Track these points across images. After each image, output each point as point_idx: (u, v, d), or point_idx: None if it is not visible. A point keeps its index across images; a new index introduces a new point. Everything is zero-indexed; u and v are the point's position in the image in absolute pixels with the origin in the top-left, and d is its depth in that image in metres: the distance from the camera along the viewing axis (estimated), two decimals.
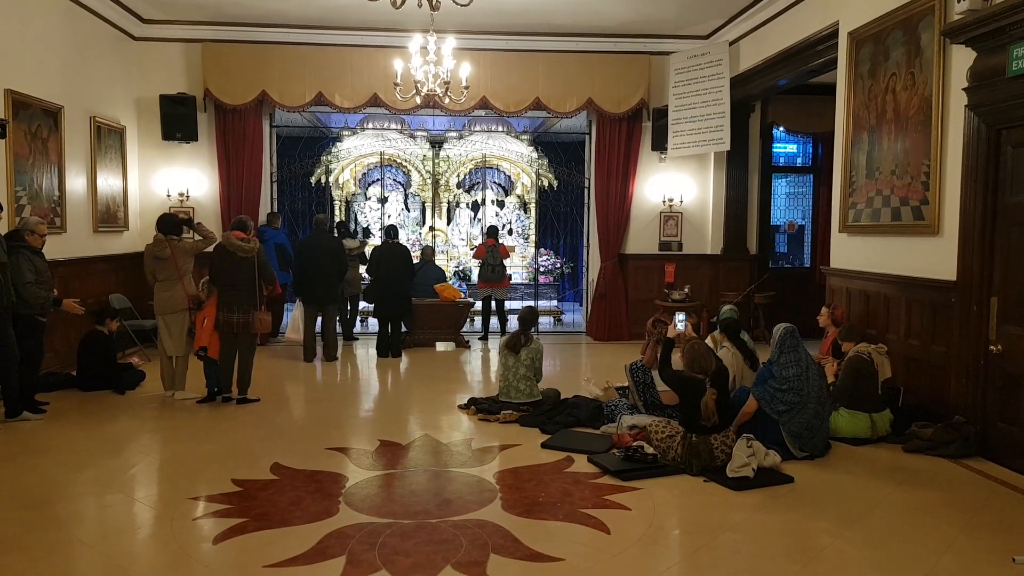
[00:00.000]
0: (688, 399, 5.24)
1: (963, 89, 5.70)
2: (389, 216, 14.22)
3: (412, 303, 9.92)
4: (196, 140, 10.21)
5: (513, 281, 12.84)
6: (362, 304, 11.15)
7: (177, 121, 10.04)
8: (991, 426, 5.51)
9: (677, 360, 5.67)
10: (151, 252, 7.08)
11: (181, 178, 10.35)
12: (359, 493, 4.77)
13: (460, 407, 6.97)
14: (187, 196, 10.32)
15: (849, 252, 7.34)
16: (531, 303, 9.65)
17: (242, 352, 7.07)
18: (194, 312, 7.15)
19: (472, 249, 13.96)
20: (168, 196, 10.28)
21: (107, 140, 9.34)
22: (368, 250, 10.87)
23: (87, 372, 7.45)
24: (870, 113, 6.92)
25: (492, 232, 11.23)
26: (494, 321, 11.03)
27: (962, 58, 5.73)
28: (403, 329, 9.98)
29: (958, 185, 5.79)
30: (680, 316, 6.05)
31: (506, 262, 11.02)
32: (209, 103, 10.22)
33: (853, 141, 7.20)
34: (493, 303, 10.99)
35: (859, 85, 7.08)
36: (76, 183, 8.57)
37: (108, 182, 9.37)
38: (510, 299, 11.54)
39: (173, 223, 7.23)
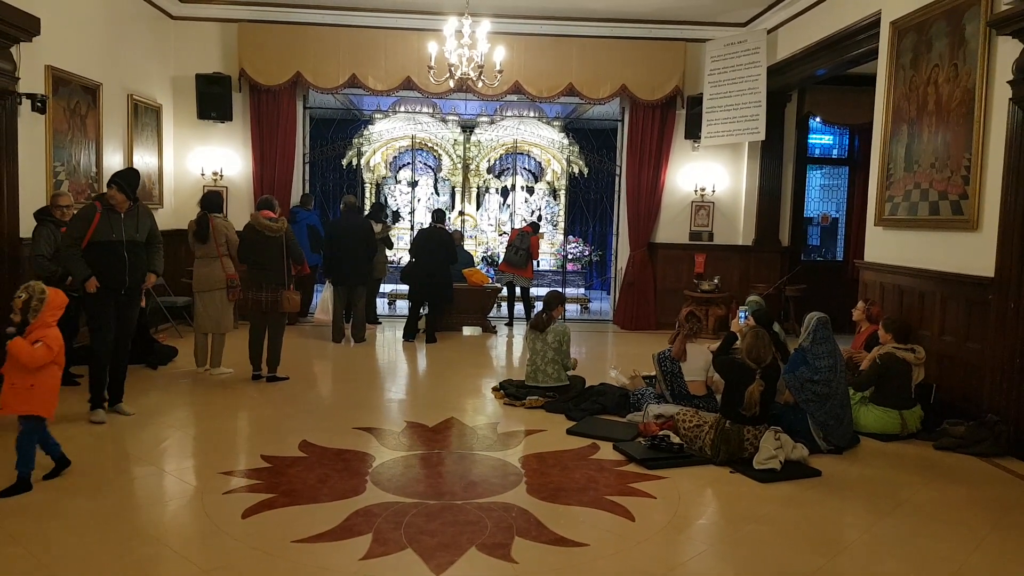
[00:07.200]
0: (735, 386, 5.18)
1: (1008, 82, 5.57)
2: (419, 200, 14.24)
3: (452, 289, 9.82)
4: (231, 120, 10.30)
5: (541, 268, 12.82)
6: (391, 287, 11.17)
7: (212, 100, 10.13)
8: None
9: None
10: (192, 228, 7.23)
11: (215, 157, 10.43)
12: (386, 473, 4.81)
13: (494, 389, 7.01)
14: (221, 175, 10.42)
15: (884, 246, 7.23)
16: (558, 289, 9.52)
17: (271, 330, 7.16)
18: (233, 291, 7.21)
19: (502, 235, 13.99)
20: (202, 175, 10.38)
21: (144, 118, 9.44)
22: (393, 234, 10.87)
23: None
24: (910, 105, 6.79)
25: (534, 225, 11.31)
26: (519, 308, 11.01)
27: (1008, 50, 5.60)
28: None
29: (999, 180, 5.67)
30: (743, 312, 5.99)
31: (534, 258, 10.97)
32: (244, 83, 10.28)
33: (892, 133, 7.07)
34: (518, 290, 10.95)
35: (900, 76, 6.95)
36: (113, 160, 8.67)
37: (144, 159, 9.47)
38: (536, 285, 11.51)
39: (215, 201, 7.35)
